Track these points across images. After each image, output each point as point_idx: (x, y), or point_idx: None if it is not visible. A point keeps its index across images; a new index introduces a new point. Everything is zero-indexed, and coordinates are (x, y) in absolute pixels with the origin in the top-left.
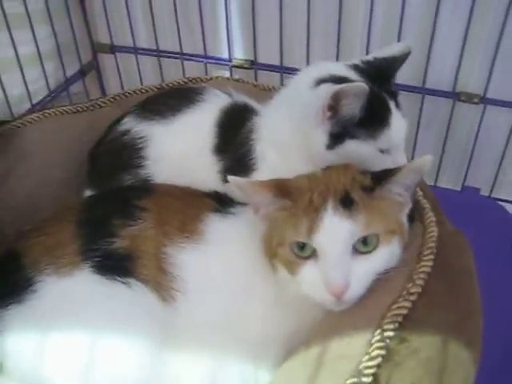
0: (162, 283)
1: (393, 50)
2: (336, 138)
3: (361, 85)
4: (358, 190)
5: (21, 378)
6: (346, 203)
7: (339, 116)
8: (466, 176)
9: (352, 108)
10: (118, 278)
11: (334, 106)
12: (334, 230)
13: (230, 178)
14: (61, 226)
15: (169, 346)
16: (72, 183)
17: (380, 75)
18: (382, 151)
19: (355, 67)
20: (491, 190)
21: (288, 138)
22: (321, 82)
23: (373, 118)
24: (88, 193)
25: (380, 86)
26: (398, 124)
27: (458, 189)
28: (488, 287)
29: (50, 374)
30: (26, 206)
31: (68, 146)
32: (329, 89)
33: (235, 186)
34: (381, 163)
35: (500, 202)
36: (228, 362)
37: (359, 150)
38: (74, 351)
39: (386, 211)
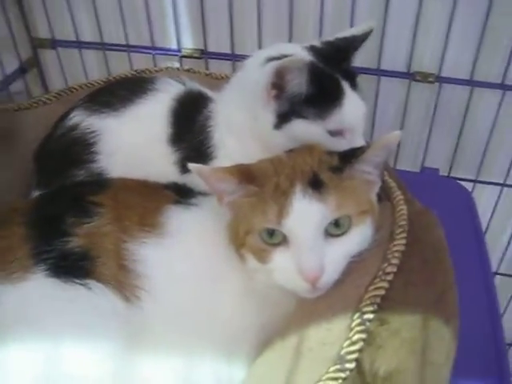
0: (124, 282)
1: (355, 29)
2: (283, 118)
3: (299, 58)
4: (327, 170)
5: None
6: (315, 185)
7: (285, 94)
8: (424, 157)
9: (297, 84)
10: (76, 280)
11: (278, 83)
12: (305, 214)
13: (191, 165)
14: (8, 229)
15: (136, 348)
16: (16, 185)
17: (338, 55)
18: (333, 134)
19: (311, 48)
20: (450, 170)
21: (241, 122)
22: (270, 60)
23: (322, 97)
24: (36, 194)
25: (335, 66)
26: (353, 105)
27: (417, 170)
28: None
29: None
30: None
31: (11, 146)
32: (271, 65)
33: (197, 173)
34: (333, 146)
35: (459, 181)
36: (200, 360)
37: (307, 130)
38: (33, 362)
39: (357, 191)
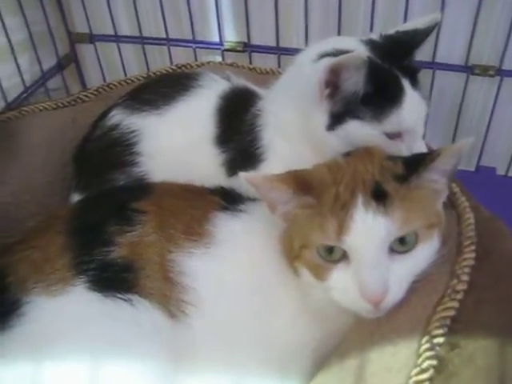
0: (169, 296)
1: (418, 22)
2: (337, 118)
3: (357, 55)
4: (391, 179)
5: None
6: (379, 197)
7: (340, 92)
8: (480, 155)
9: (353, 83)
10: (118, 295)
11: (333, 81)
12: (368, 230)
13: (242, 174)
14: (48, 237)
15: (183, 366)
16: (55, 188)
17: (398, 50)
18: (390, 136)
19: (369, 42)
20: (508, 169)
21: (292, 122)
22: (324, 56)
23: (380, 97)
24: (76, 197)
25: (395, 62)
26: (413, 105)
27: (473, 169)
28: None
29: None
30: (6, 215)
31: (49, 146)
32: (326, 62)
33: (248, 182)
34: (390, 150)
35: None
36: (251, 379)
37: (363, 132)
38: (71, 380)
39: (424, 203)
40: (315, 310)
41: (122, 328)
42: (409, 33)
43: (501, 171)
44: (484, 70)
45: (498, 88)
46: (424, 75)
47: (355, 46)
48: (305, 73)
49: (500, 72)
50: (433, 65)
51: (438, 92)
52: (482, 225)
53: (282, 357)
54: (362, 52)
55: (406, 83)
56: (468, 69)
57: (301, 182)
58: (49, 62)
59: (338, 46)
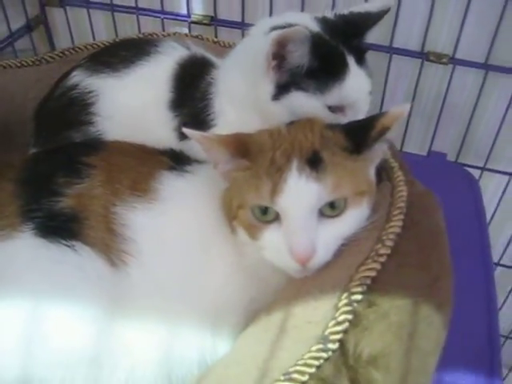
0: (111, 246)
1: (371, 5)
2: (282, 89)
3: (300, 29)
4: (330, 148)
5: None
6: (313, 163)
7: (286, 64)
8: (432, 140)
9: (298, 55)
10: (63, 242)
11: (280, 53)
12: (299, 193)
13: (186, 130)
14: (0, 185)
15: (120, 314)
16: (15, 143)
17: (349, 30)
18: (333, 110)
19: (322, 20)
20: (457, 156)
21: (242, 90)
22: (276, 29)
23: (324, 71)
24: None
25: (344, 41)
26: (356, 81)
27: (425, 154)
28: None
29: None
30: None
31: (11, 103)
32: (273, 35)
33: (191, 138)
34: (332, 123)
35: (466, 168)
36: (184, 330)
37: (306, 104)
38: (14, 320)
39: (358, 171)
40: (249, 269)
41: (66, 272)
42: (361, 14)
43: (451, 157)
44: (438, 57)
45: (451, 76)
46: (381, 59)
47: (306, 22)
48: (255, 44)
49: (453, 60)
50: (390, 49)
51: (394, 76)
52: (415, 198)
53: (216, 312)
54: (312, 26)
55: (351, 60)
56: (423, 55)
57: (239, 146)
58: (18, 23)
59: (290, 20)
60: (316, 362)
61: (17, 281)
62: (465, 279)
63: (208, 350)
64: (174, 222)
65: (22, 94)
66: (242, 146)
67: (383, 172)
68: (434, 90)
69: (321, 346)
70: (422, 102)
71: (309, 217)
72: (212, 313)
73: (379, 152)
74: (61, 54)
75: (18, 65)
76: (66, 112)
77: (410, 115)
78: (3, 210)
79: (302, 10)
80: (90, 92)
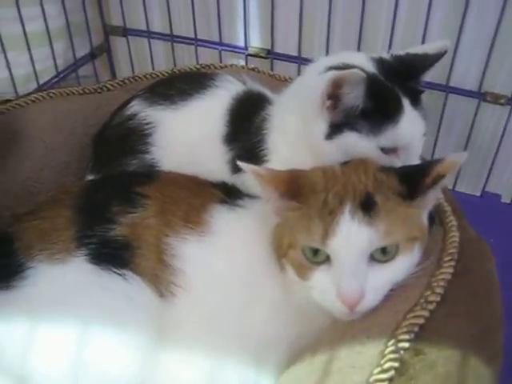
0: (161, 276)
1: (428, 47)
2: (335, 129)
3: (357, 71)
4: (384, 192)
5: (4, 369)
6: (366, 207)
7: (341, 105)
8: (486, 181)
9: (353, 97)
10: (114, 269)
11: (335, 94)
12: (351, 237)
13: (240, 163)
14: (57, 210)
15: (165, 343)
16: (73, 167)
17: (405, 71)
18: (386, 151)
19: (378, 60)
20: None
21: (295, 127)
22: (331, 69)
23: (378, 112)
24: (90, 178)
25: (399, 82)
26: (410, 124)
27: (478, 194)
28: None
29: (35, 366)
30: (24, 189)
31: (72, 129)
32: (329, 75)
33: (245, 171)
34: (384, 164)
35: None
36: (227, 364)
37: (358, 144)
38: (62, 344)
39: (410, 217)
40: (296, 307)
41: (115, 299)
42: (418, 56)
43: (505, 199)
44: (496, 98)
45: (508, 116)
46: (437, 98)
47: (363, 62)
48: (311, 83)
49: (511, 101)
50: (446, 88)
51: (450, 116)
52: (467, 244)
53: (260, 348)
54: (368, 67)
55: (405, 102)
56: (480, 95)
57: (290, 186)
58: (83, 51)
59: (346, 60)
60: None
61: (67, 304)
62: None
63: None
64: (223, 255)
65: (83, 120)
66: (293, 187)
67: (436, 216)
68: (489, 130)
69: None
70: (478, 141)
71: (359, 261)
72: (256, 349)
73: (433, 198)
74: (121, 83)
75: (81, 92)
76: (123, 140)
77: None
78: (60, 234)
79: (359, 47)
80: (147, 123)
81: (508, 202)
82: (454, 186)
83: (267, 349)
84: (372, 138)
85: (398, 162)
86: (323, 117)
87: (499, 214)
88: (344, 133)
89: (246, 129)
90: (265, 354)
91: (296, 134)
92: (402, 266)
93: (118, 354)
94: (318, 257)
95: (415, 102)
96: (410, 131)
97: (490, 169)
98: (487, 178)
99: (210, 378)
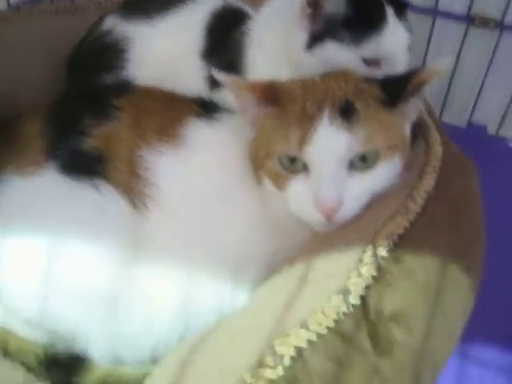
0: (134, 189)
1: None
2: (316, 39)
3: None
4: (365, 99)
5: None
6: (346, 113)
7: (321, 13)
8: (472, 111)
9: (334, 4)
10: (86, 180)
11: (315, 1)
12: (329, 143)
13: (215, 72)
14: (28, 123)
15: (138, 257)
16: (47, 89)
17: None
18: (368, 63)
19: None
20: (498, 128)
21: (275, 40)
22: None
23: (360, 21)
24: None
25: None
26: (393, 34)
27: (463, 125)
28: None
29: (4, 279)
30: None
31: (45, 48)
32: None
33: (220, 80)
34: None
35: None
36: (203, 279)
37: (340, 55)
38: (34, 257)
39: (391, 124)
40: (273, 221)
41: (87, 210)
42: None
43: (491, 130)
44: (484, 22)
45: (497, 42)
46: (424, 23)
47: None
48: None
49: (500, 26)
50: (434, 12)
51: (437, 42)
52: (450, 159)
53: (237, 263)
54: None
55: (390, 12)
56: (469, 19)
57: (268, 92)
58: None
59: None
60: (335, 315)
61: (38, 217)
62: (497, 254)
63: (226, 300)
64: (198, 169)
65: (56, 40)
66: (271, 92)
67: (419, 131)
68: (478, 57)
69: (341, 298)
70: (465, 69)
71: (338, 168)
72: (233, 263)
73: (415, 108)
74: (97, 4)
75: (54, 11)
76: (99, 56)
77: (450, 83)
78: (29, 146)
79: None
80: (123, 38)
81: (494, 133)
82: (440, 116)
83: (244, 263)
84: (354, 48)
85: (380, 73)
86: (303, 26)
87: (485, 146)
88: (325, 43)
89: (224, 44)
90: (242, 269)
91: (276, 48)
92: (383, 174)
93: (90, 266)
94: (295, 165)
95: (400, 13)
96: (393, 42)
97: (477, 99)
98: (473, 108)
99: (185, 293)
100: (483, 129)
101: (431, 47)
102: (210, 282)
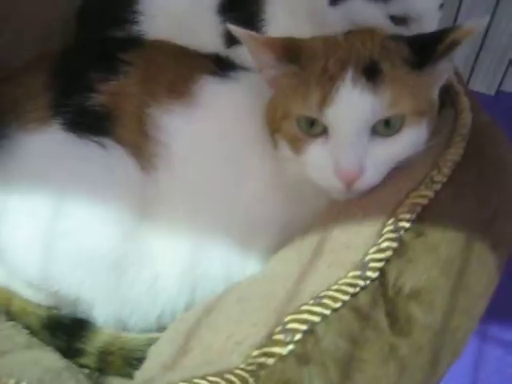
0: (142, 148)
1: None
2: None
3: None
4: (391, 60)
5: None
6: (371, 74)
7: None
8: (502, 79)
9: None
10: (93, 138)
11: None
12: (352, 105)
13: (231, 26)
14: (33, 75)
15: (146, 220)
16: (55, 41)
17: None
18: (396, 21)
19: None
20: None
21: None
22: None
23: None
24: None
25: None
26: None
27: (492, 93)
28: None
29: (7, 238)
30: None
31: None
32: None
33: (236, 35)
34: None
35: None
36: (211, 244)
37: (366, 11)
38: (36, 216)
39: (419, 88)
40: (289, 187)
41: (93, 170)
42: None
43: None
44: None
45: None
46: None
47: None
48: None
49: None
50: None
51: (469, 2)
52: (479, 127)
53: (247, 229)
54: None
55: None
56: None
57: (288, 49)
58: None
59: None
60: (351, 290)
61: (42, 176)
62: None
63: (235, 268)
64: (210, 129)
65: None
66: (291, 49)
67: (447, 97)
68: (510, 23)
69: (359, 272)
70: (497, 36)
71: (360, 133)
72: (243, 230)
73: (444, 72)
74: None
75: None
76: (108, 9)
77: (480, 48)
78: (34, 102)
79: None
80: None
81: None
82: (468, 83)
83: (256, 231)
84: (381, 4)
85: (408, 33)
86: None
87: None
88: None
89: None
90: (252, 236)
91: (298, 2)
92: (407, 141)
93: (95, 228)
94: (314, 128)
95: None
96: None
97: (508, 66)
98: (503, 76)
99: (192, 257)
100: None
101: (462, 7)
102: (218, 247)
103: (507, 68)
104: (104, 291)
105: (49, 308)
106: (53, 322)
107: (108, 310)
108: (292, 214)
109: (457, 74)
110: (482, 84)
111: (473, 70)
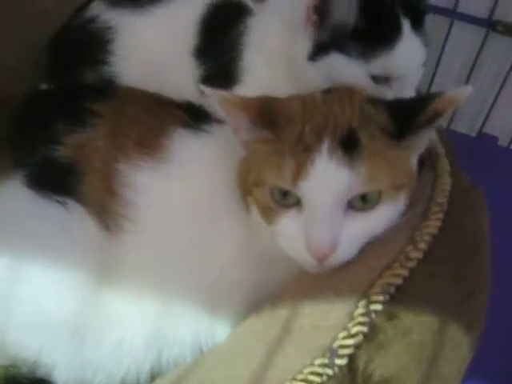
0: (108, 207)
1: None
2: (321, 49)
3: None
4: (370, 129)
5: None
6: (348, 145)
7: (328, 22)
8: (485, 121)
9: (344, 12)
10: (54, 196)
11: (323, 8)
12: (327, 179)
13: (204, 87)
14: None
15: (109, 283)
16: (27, 74)
17: None
18: (377, 80)
19: None
20: (510, 141)
21: (276, 45)
22: None
23: (372, 34)
24: (43, 88)
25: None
26: (408, 50)
27: (474, 135)
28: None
29: None
30: None
31: (26, 30)
32: None
33: (210, 97)
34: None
35: None
36: (178, 308)
37: (346, 70)
38: None
39: (398, 161)
40: (259, 252)
41: (52, 232)
42: None
43: (503, 142)
44: (507, 29)
45: None
46: (441, 25)
47: None
48: None
49: None
50: (453, 14)
51: (453, 46)
52: (458, 194)
53: (215, 293)
54: None
55: (405, 24)
56: (490, 24)
57: (263, 112)
58: None
59: None
60: (318, 379)
61: None
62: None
63: (203, 333)
64: (181, 187)
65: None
66: (267, 113)
67: (427, 158)
68: (495, 65)
69: (326, 360)
70: (480, 76)
71: (335, 208)
72: (211, 294)
73: (425, 140)
74: None
75: None
76: (81, 47)
77: None
78: None
79: None
80: (108, 27)
81: (505, 145)
82: (450, 123)
83: (225, 294)
84: (362, 63)
85: (390, 93)
86: (308, 34)
87: (495, 158)
88: (330, 54)
89: (220, 42)
90: (221, 301)
91: (276, 53)
92: (384, 216)
93: (53, 292)
94: (287, 199)
95: (417, 24)
96: (406, 59)
97: (491, 108)
98: (486, 118)
99: (158, 322)
100: (494, 139)
101: (447, 49)
102: (185, 312)
103: (491, 109)
104: (65, 355)
105: (6, 367)
106: (10, 381)
107: (69, 372)
108: (263, 280)
109: (439, 130)
110: (465, 125)
111: (456, 109)
